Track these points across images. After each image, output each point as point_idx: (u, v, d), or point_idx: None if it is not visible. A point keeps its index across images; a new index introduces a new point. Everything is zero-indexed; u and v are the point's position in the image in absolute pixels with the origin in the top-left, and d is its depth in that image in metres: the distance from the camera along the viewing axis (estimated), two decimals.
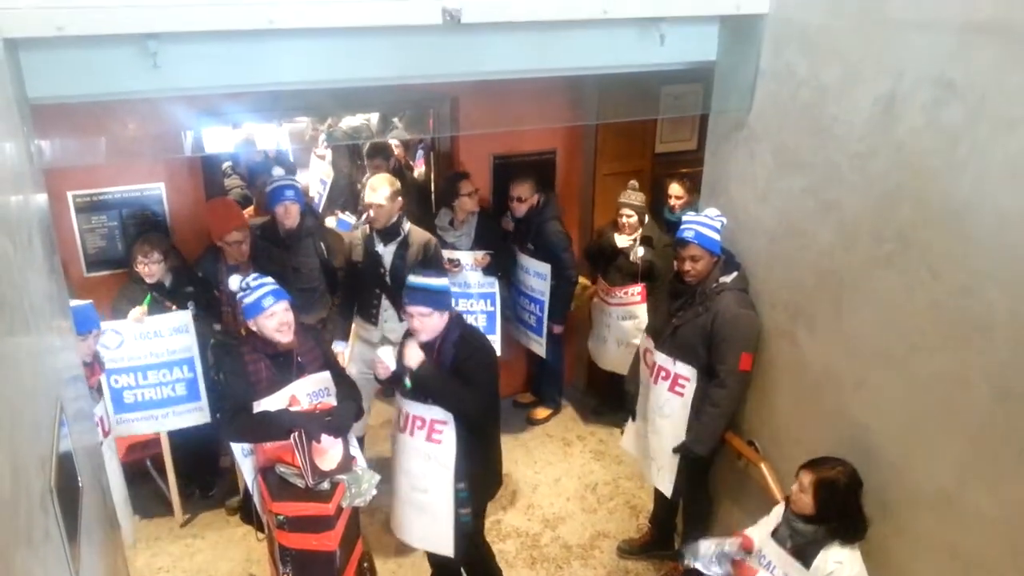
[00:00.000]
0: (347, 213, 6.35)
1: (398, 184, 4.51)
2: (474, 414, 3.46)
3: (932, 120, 2.74)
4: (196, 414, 4.34)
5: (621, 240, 5.09)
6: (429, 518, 3.58)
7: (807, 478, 2.98)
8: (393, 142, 6.89)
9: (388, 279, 4.50)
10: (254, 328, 3.44)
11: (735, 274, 3.71)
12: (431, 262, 4.51)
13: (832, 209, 3.24)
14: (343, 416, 3.47)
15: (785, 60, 3.42)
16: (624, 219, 5.04)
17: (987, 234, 2.58)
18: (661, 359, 3.83)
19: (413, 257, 4.47)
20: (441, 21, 2.94)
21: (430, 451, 3.48)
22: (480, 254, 4.99)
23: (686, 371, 3.76)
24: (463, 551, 3.64)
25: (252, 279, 3.45)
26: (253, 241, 4.55)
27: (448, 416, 3.42)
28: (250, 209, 5.80)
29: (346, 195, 7.10)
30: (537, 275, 5.16)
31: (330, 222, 6.03)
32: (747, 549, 3.23)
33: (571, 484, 5.20)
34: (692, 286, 3.72)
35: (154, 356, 4.21)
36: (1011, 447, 2.56)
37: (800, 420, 3.58)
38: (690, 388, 3.76)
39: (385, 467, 3.73)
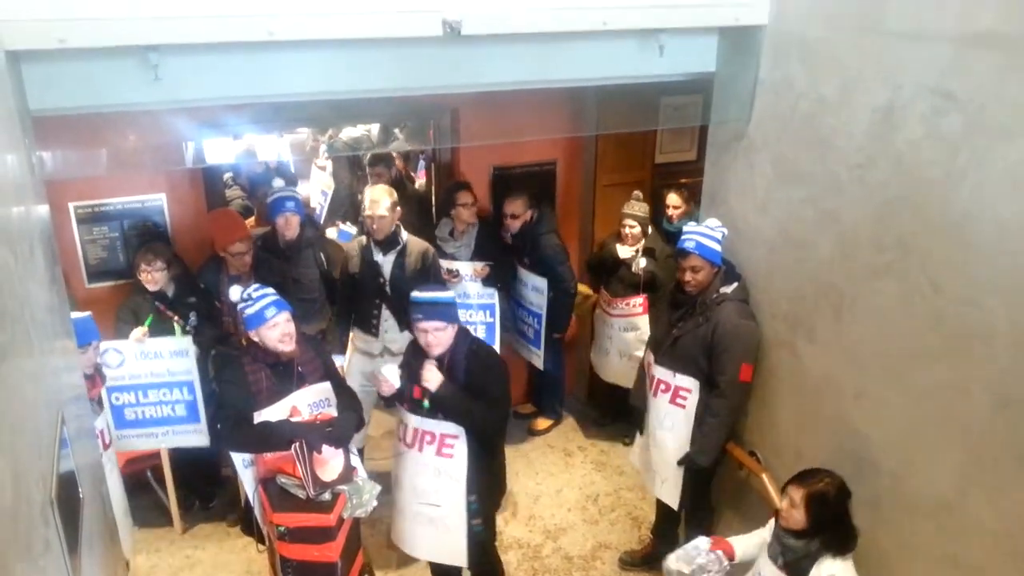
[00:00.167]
0: (348, 224, 6.36)
1: (395, 194, 4.52)
2: (491, 430, 3.45)
3: (931, 130, 2.74)
4: (195, 436, 4.33)
5: (623, 251, 5.09)
6: (441, 531, 3.56)
7: (797, 494, 2.94)
8: (394, 153, 6.90)
9: (388, 289, 4.50)
10: (255, 339, 3.44)
11: (736, 285, 3.71)
12: (430, 271, 4.52)
13: (832, 219, 3.25)
14: (344, 427, 3.47)
15: (784, 71, 3.43)
16: (627, 229, 5.03)
17: (987, 243, 2.58)
18: (660, 372, 3.83)
19: (412, 266, 4.48)
20: (441, 33, 2.96)
21: (441, 466, 3.46)
22: (479, 265, 4.99)
23: (687, 383, 3.76)
24: (476, 561, 3.63)
25: (253, 290, 3.46)
26: (254, 252, 4.56)
27: (459, 430, 3.40)
28: (251, 220, 5.81)
29: (347, 206, 7.11)
30: (535, 289, 5.16)
31: (331, 233, 6.04)
32: (728, 556, 3.24)
33: (572, 495, 5.19)
34: (693, 297, 3.72)
35: (155, 376, 4.21)
36: (1011, 456, 2.56)
37: (800, 430, 3.58)
38: (692, 400, 3.76)
39: (385, 479, 3.72)
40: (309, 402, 3.51)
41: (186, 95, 2.93)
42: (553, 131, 5.32)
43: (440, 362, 3.40)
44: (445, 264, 4.88)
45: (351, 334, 4.79)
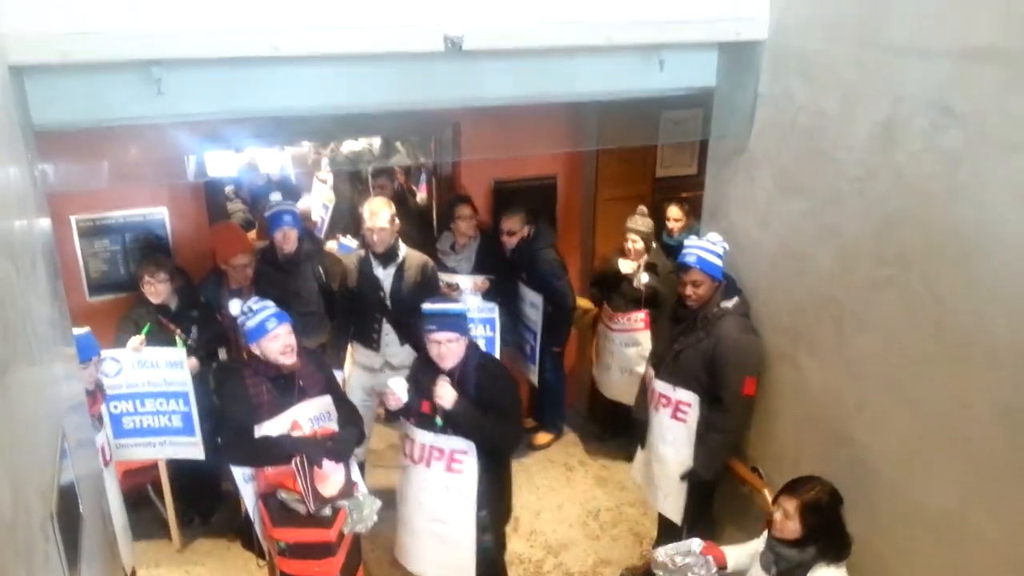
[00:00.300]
0: (348, 237, 6.37)
1: (394, 207, 4.52)
2: (505, 444, 3.44)
3: (931, 144, 2.75)
4: (191, 448, 4.31)
5: (624, 265, 5.06)
6: (449, 548, 3.52)
7: (790, 504, 2.93)
8: (396, 167, 6.92)
9: (388, 303, 4.50)
10: (257, 351, 3.43)
11: (736, 299, 3.71)
12: (429, 284, 4.52)
13: (832, 233, 3.25)
14: (345, 441, 3.46)
15: (784, 86, 3.45)
16: (630, 244, 5.03)
17: (987, 256, 2.58)
18: (661, 386, 3.82)
19: (411, 280, 4.47)
20: (443, 48, 2.98)
21: (449, 482, 3.43)
22: (480, 279, 4.99)
23: (687, 397, 3.75)
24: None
25: (254, 302, 3.46)
26: (256, 265, 4.57)
27: (469, 445, 3.38)
28: (253, 233, 5.82)
29: (347, 219, 7.12)
30: (531, 305, 5.16)
31: (331, 246, 6.04)
32: (719, 564, 3.23)
33: (574, 510, 5.17)
34: (694, 311, 3.72)
35: (151, 385, 4.20)
36: (1012, 466, 2.56)
37: (801, 442, 3.57)
38: (692, 414, 3.75)
39: (386, 494, 3.70)
40: (310, 416, 3.50)
41: (189, 109, 2.94)
42: (554, 145, 5.34)
43: (451, 376, 3.37)
44: (445, 278, 4.87)
45: (351, 348, 4.78)
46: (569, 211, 5.72)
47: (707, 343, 3.67)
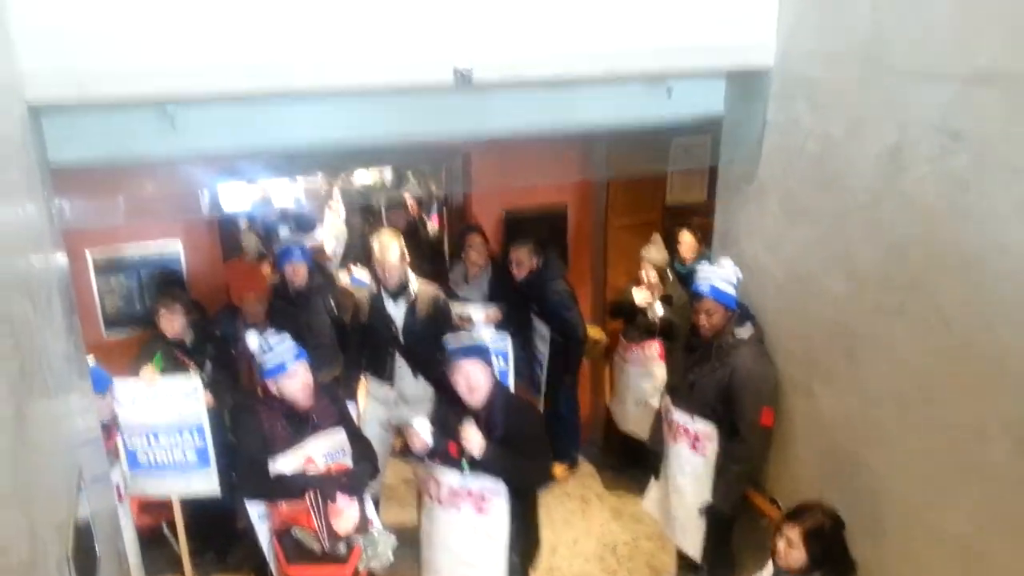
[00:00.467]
0: (360, 268, 6.40)
1: (403, 240, 4.53)
2: (535, 485, 3.41)
3: (938, 169, 2.75)
4: (205, 481, 4.28)
5: (639, 296, 5.03)
6: None
7: (794, 532, 2.91)
8: (408, 197, 6.98)
9: (400, 337, 4.49)
10: (273, 388, 3.43)
11: (750, 327, 3.69)
12: (441, 317, 4.52)
13: (842, 259, 3.24)
14: (359, 476, 3.44)
15: (791, 113, 3.46)
16: (644, 274, 5.02)
17: (998, 281, 2.57)
18: (680, 417, 3.79)
19: (423, 313, 4.47)
20: (453, 81, 3.01)
21: (480, 524, 3.35)
22: (492, 309, 4.98)
23: (706, 428, 3.71)
24: None
25: (272, 338, 3.45)
26: (269, 301, 4.60)
27: (500, 486, 3.31)
28: (266, 266, 5.86)
29: (359, 251, 7.17)
30: (541, 336, 5.16)
31: (343, 279, 6.07)
32: None
33: (590, 544, 5.10)
34: (708, 340, 3.70)
35: (165, 418, 4.20)
36: None
37: (818, 471, 3.53)
38: (712, 447, 3.71)
39: (401, 529, 3.66)
40: (323, 451, 3.48)
41: (203, 144, 2.98)
42: (564, 175, 5.37)
43: (477, 418, 3.31)
44: (458, 309, 4.87)
45: (364, 381, 4.77)
46: (580, 240, 5.73)
47: (722, 372, 3.64)
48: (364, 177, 7.19)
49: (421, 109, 3.21)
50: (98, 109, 2.74)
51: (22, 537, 1.44)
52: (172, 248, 4.74)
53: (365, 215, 7.48)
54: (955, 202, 2.69)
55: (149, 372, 4.12)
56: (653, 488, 4.17)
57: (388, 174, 7.11)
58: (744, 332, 3.67)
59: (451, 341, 3.37)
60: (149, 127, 2.84)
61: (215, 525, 4.79)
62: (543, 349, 5.14)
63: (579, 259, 5.71)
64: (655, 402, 4.53)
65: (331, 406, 3.62)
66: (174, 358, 4.29)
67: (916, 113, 2.82)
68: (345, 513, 3.34)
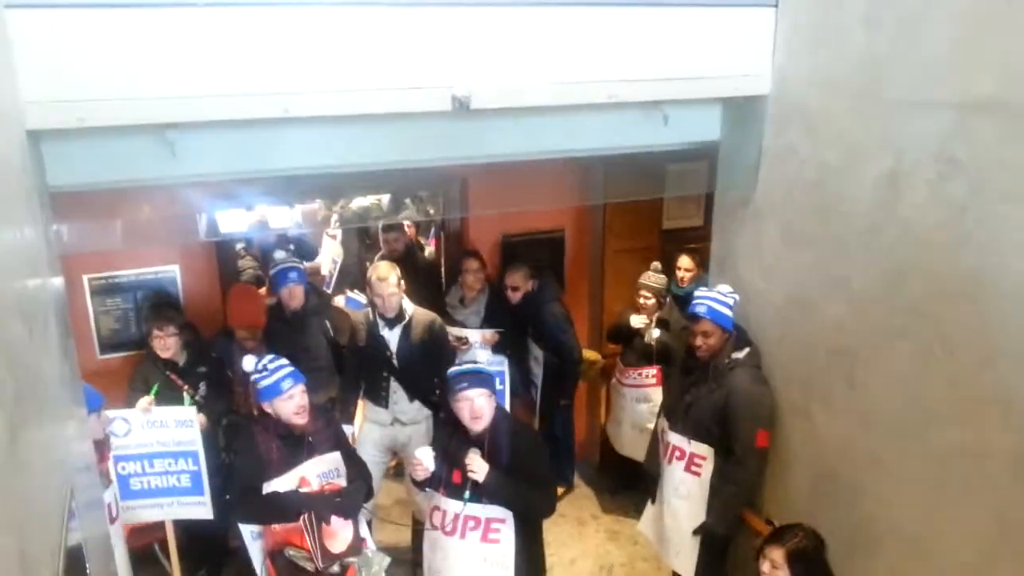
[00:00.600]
0: (356, 291, 6.39)
1: (399, 269, 4.53)
2: (540, 513, 3.38)
3: (936, 195, 2.77)
4: (199, 508, 4.26)
5: (636, 320, 5.05)
6: None
7: (777, 554, 2.95)
8: (404, 222, 6.97)
9: (395, 361, 4.49)
10: (269, 410, 3.42)
11: (747, 350, 3.70)
12: (436, 342, 4.51)
13: (841, 284, 3.25)
14: (353, 497, 3.43)
15: (787, 139, 3.48)
16: (642, 300, 5.03)
17: (999, 306, 2.58)
18: (675, 439, 3.79)
19: (418, 338, 4.46)
20: (451, 108, 3.03)
21: (487, 553, 3.31)
22: (489, 332, 4.99)
23: (701, 450, 3.71)
24: None
25: (268, 360, 3.45)
26: (265, 326, 4.59)
27: (506, 514, 3.28)
28: (263, 289, 5.85)
29: (356, 274, 7.16)
30: (535, 359, 5.16)
31: (339, 301, 6.06)
32: None
33: (587, 566, 5.07)
34: (704, 362, 3.71)
35: (161, 445, 4.17)
36: None
37: (816, 496, 3.52)
38: (707, 467, 3.70)
39: (395, 550, 3.64)
40: (318, 472, 3.48)
41: (202, 170, 2.99)
42: (561, 200, 5.39)
43: (480, 445, 3.29)
44: (454, 331, 4.88)
45: (362, 403, 4.76)
46: (577, 264, 5.74)
47: (718, 395, 3.65)
48: (362, 200, 7.19)
49: (419, 135, 3.22)
50: (98, 134, 2.74)
51: (12, 561, 1.43)
52: (169, 270, 4.73)
53: (362, 238, 7.48)
54: (954, 228, 2.71)
55: (145, 403, 4.11)
56: (649, 510, 4.16)
57: (386, 198, 7.12)
58: (741, 354, 3.67)
59: (452, 370, 3.35)
60: (149, 152, 2.84)
61: (207, 544, 4.76)
62: (538, 371, 5.15)
63: (576, 283, 5.72)
64: (652, 426, 4.52)
65: (326, 428, 3.62)
66: (167, 380, 4.28)
67: (913, 140, 2.85)
68: (339, 534, 3.33)
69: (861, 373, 3.19)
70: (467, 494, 3.27)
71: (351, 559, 3.35)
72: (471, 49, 3.05)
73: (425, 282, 5.90)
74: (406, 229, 6.86)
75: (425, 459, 3.30)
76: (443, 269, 5.83)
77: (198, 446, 4.18)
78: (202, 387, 4.41)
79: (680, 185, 5.10)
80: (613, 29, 3.24)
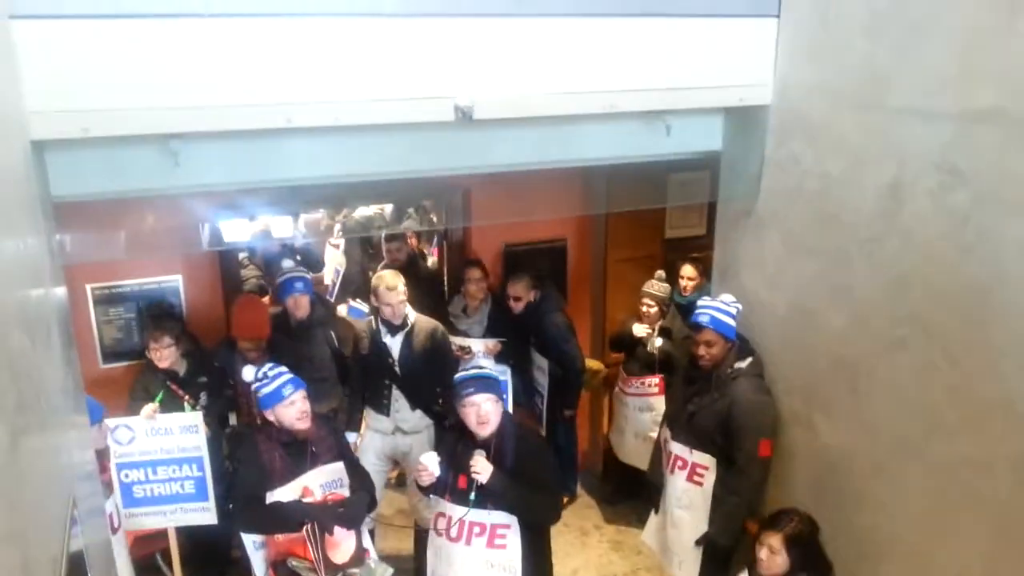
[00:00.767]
0: (359, 301, 6.40)
1: (403, 278, 4.53)
2: (545, 518, 3.37)
3: (938, 205, 2.77)
4: (203, 514, 4.26)
5: (638, 329, 5.04)
6: None
7: (775, 539, 3.03)
8: (407, 232, 6.99)
9: (397, 369, 4.49)
10: (271, 418, 3.43)
11: (750, 359, 3.69)
12: (439, 350, 4.51)
13: (844, 294, 3.25)
14: (356, 507, 3.42)
15: (790, 149, 3.49)
16: (645, 308, 5.02)
17: (1000, 314, 2.57)
18: (677, 448, 3.78)
19: (420, 346, 4.46)
20: (453, 118, 3.04)
21: (493, 558, 3.29)
22: (492, 341, 4.98)
23: (704, 460, 3.70)
24: None
25: (269, 368, 3.47)
26: (269, 337, 4.59)
27: (511, 519, 3.27)
28: (267, 299, 5.86)
29: (358, 283, 7.17)
30: (539, 368, 5.16)
31: (342, 310, 6.07)
32: None
33: (590, 575, 5.06)
34: (707, 372, 3.70)
35: (165, 452, 4.17)
36: None
37: (819, 506, 3.49)
38: (709, 477, 3.69)
39: (397, 560, 3.63)
40: (321, 482, 3.48)
41: (205, 180, 3.00)
42: (563, 209, 5.39)
43: (487, 449, 3.28)
44: (457, 341, 4.87)
45: (364, 412, 4.76)
46: (580, 273, 5.74)
47: (721, 404, 3.64)
48: (365, 209, 7.21)
49: (422, 145, 3.23)
50: (102, 145, 2.75)
51: (15, 568, 1.43)
52: (172, 280, 4.74)
53: (364, 247, 7.50)
54: (956, 237, 2.71)
55: (149, 410, 4.12)
56: (652, 520, 4.15)
57: (388, 208, 7.14)
58: (744, 364, 3.67)
59: (460, 375, 3.35)
60: (152, 163, 2.85)
61: (209, 553, 4.75)
62: (542, 381, 5.14)
63: (579, 292, 5.72)
64: (655, 434, 4.51)
65: (329, 438, 3.62)
66: (168, 389, 4.28)
67: (915, 150, 2.85)
68: (342, 544, 3.32)
69: (863, 382, 3.18)
70: (472, 496, 3.25)
71: (354, 570, 3.34)
72: (474, 60, 3.06)
73: (427, 291, 5.91)
74: (408, 239, 6.88)
75: (431, 464, 3.28)
76: (445, 278, 5.84)
77: (203, 452, 4.18)
78: (203, 396, 4.40)
79: (682, 195, 5.11)
80: (615, 40, 3.25)
